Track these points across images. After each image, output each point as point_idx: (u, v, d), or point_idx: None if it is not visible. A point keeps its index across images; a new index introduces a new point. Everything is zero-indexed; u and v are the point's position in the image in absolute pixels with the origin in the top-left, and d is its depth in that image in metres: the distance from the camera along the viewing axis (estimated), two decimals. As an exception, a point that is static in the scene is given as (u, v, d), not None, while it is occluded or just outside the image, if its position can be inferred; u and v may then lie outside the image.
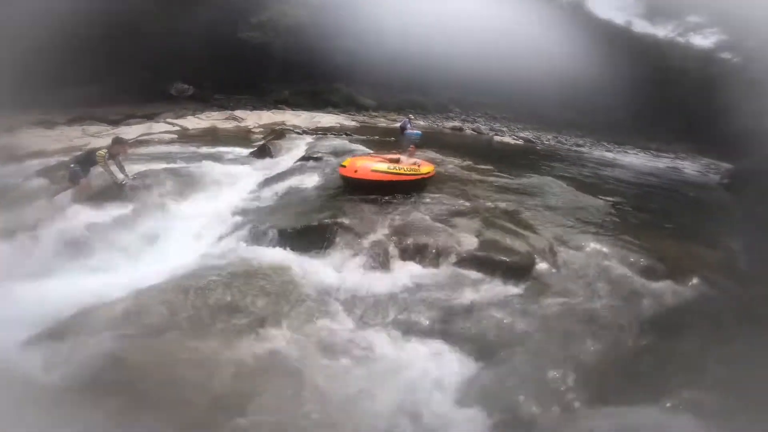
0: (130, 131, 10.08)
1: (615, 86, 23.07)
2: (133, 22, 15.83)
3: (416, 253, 4.20)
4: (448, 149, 9.90)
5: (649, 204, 9.22)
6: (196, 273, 3.78)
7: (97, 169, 5.20)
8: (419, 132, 12.20)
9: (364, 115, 18.55)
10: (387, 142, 11.22)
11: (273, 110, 15.36)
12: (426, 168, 6.01)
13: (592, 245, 4.90)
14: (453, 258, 4.15)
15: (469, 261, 4.15)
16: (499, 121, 23.12)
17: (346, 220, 4.55)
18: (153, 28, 16.12)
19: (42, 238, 4.54)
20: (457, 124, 20.53)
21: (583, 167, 13.43)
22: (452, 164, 8.32)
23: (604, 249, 4.82)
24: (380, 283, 3.85)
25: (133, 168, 6.03)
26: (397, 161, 6.02)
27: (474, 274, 4.03)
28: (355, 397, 2.78)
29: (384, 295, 3.69)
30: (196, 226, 4.98)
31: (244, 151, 8.75)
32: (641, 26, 30.93)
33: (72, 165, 5.13)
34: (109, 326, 3.09)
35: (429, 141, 11.91)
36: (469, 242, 4.42)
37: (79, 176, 5.05)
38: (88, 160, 5.18)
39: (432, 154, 9.03)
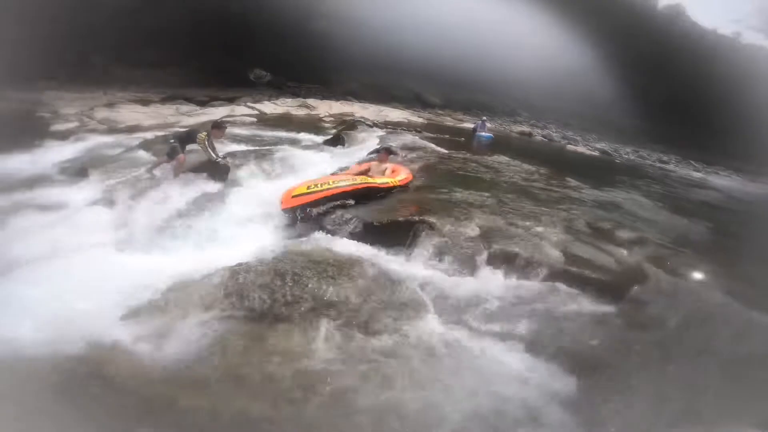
0: (216, 112, 10.76)
1: (713, 103, 20.79)
2: (217, 9, 16.96)
3: (504, 261, 4.01)
4: (517, 155, 9.47)
5: (749, 232, 8.20)
6: (286, 257, 3.80)
7: (192, 147, 5.56)
8: (491, 135, 11.81)
9: (430, 113, 18.39)
10: (456, 142, 10.99)
11: (342, 101, 15.70)
12: (396, 177, 5.53)
13: (692, 272, 4.44)
14: (543, 270, 3.92)
15: (559, 275, 3.89)
16: (572, 128, 21.81)
17: (432, 219, 4.47)
18: (235, 15, 17.16)
19: (139, 208, 4.92)
20: (525, 128, 19.67)
21: (670, 186, 12.25)
22: (527, 172, 7.94)
23: (705, 277, 4.35)
24: (466, 287, 3.72)
25: (222, 148, 6.40)
26: (365, 171, 5.60)
27: (565, 289, 3.77)
28: (436, 399, 2.70)
29: (470, 300, 3.56)
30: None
31: (318, 139, 8.99)
32: (753, 38, 27.27)
33: (172, 141, 5.53)
34: (209, 305, 3.19)
35: (496, 145, 11.51)
36: (559, 255, 4.16)
37: (177, 152, 5.43)
38: (188, 138, 5.55)
39: (503, 158, 8.70)
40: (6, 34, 11.00)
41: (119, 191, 5.20)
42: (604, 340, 3.37)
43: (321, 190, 4.67)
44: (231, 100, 13.21)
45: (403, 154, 7.43)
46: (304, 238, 4.38)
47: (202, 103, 12.43)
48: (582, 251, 4.32)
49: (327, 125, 11.01)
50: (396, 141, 8.27)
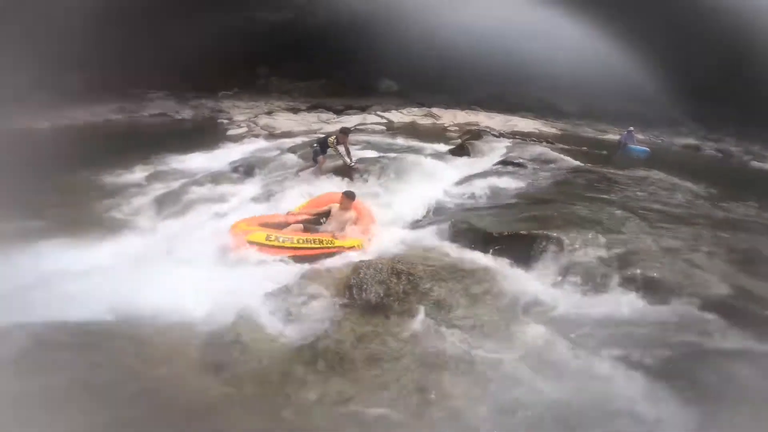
0: (350, 120, 11.85)
1: None
2: (350, 25, 18.53)
3: (643, 285, 3.54)
4: (677, 171, 8.00)
5: None
6: (404, 259, 4.07)
7: (330, 151, 6.27)
8: (646, 149, 10.21)
9: (565, 123, 16.86)
10: (597, 155, 9.86)
11: (467, 110, 15.59)
12: (360, 234, 4.68)
13: None
14: (691, 299, 3.33)
15: (712, 305, 3.27)
16: (757, 141, 17.38)
17: (559, 235, 4.16)
18: (366, 29, 18.51)
19: (287, 202, 5.77)
20: (691, 141, 16.48)
21: None
22: (687, 191, 6.66)
23: None
24: (595, 307, 3.41)
25: (356, 153, 7.04)
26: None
27: (716, 321, 3.13)
28: (558, 420, 2.52)
29: (599, 322, 3.24)
30: (402, 211, 5.47)
31: (442, 148, 9.14)
32: None
33: (314, 145, 6.35)
34: (335, 293, 3.59)
35: (651, 160, 9.92)
36: (714, 285, 3.49)
37: (318, 155, 6.19)
38: (324, 143, 6.30)
39: (657, 174, 7.46)
40: (198, 55, 13.91)
41: (274, 188, 6.20)
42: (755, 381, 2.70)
43: (280, 246, 4.26)
44: (363, 109, 14.36)
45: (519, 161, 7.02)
46: (422, 242, 4.58)
47: (339, 112, 13.83)
48: (751, 285, 3.54)
49: (451, 134, 11.10)
50: (524, 152, 7.85)
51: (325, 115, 12.71)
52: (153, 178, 7.19)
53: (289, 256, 4.21)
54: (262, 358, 2.98)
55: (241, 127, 11.21)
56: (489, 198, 5.90)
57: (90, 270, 4.05)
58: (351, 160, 6.36)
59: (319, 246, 4.40)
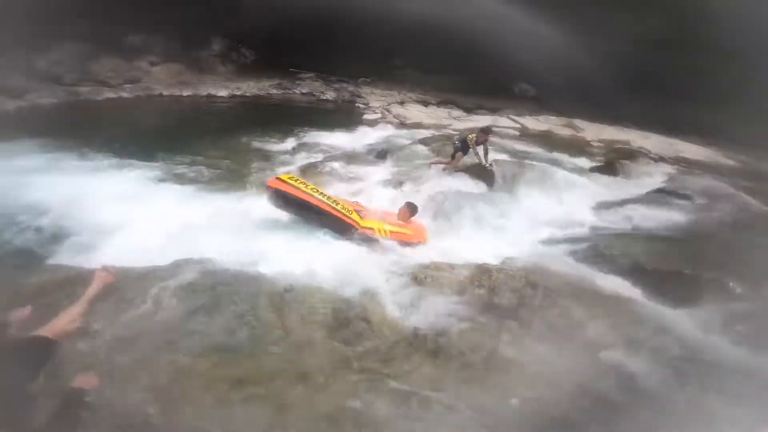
0: (480, 120, 11.55)
1: None
2: (493, 23, 17.72)
3: None
4: None
5: None
6: (538, 271, 3.87)
7: (470, 150, 6.16)
8: None
9: (748, 154, 13.71)
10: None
11: (615, 126, 13.83)
12: (369, 222, 4.42)
13: None
14: None
15: None
16: None
17: (731, 282, 3.55)
18: (508, 29, 17.54)
19: (418, 192, 5.90)
20: None
21: None
22: None
23: None
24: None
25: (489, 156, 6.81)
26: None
27: None
28: None
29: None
30: (536, 221, 5.16)
31: (584, 163, 8.30)
32: None
33: (456, 142, 6.29)
34: (455, 289, 3.56)
35: None
36: None
37: (458, 151, 6.14)
38: (464, 140, 6.20)
39: None
40: (348, 40, 14.87)
41: (405, 176, 6.40)
42: None
43: (302, 190, 4.30)
44: (494, 111, 13.83)
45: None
46: (555, 257, 4.28)
47: (469, 110, 13.56)
48: None
49: (595, 150, 10.00)
50: (692, 184, 6.65)
51: (456, 112, 12.64)
52: (300, 148, 8.06)
53: (304, 200, 4.25)
54: (385, 338, 3.10)
55: (376, 113, 11.83)
56: (639, 227, 5.21)
57: (240, 224, 4.72)
58: (487, 161, 6.18)
59: (333, 207, 4.29)
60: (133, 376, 2.42)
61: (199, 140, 8.13)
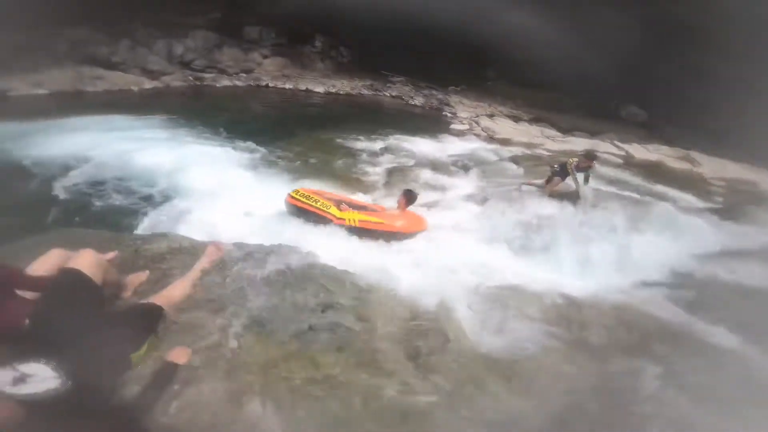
0: (577, 143, 10.76)
1: None
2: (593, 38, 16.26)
3: None
4: None
5: None
6: (627, 309, 3.59)
7: (569, 176, 5.74)
8: None
9: None
10: None
11: (742, 163, 11.96)
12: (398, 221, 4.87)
13: None
14: None
15: None
16: None
17: None
18: (615, 48, 15.99)
19: (503, 211, 5.65)
20: None
21: None
22: None
23: None
24: None
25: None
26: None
27: None
28: None
29: None
30: (633, 259, 4.68)
31: (699, 203, 7.31)
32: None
33: (555, 166, 5.91)
34: (544, 318, 3.38)
35: None
36: None
37: (555, 176, 5.76)
38: (563, 165, 5.79)
39: None
40: (436, 47, 14.86)
41: (491, 193, 6.19)
42: None
43: (307, 203, 4.79)
44: (594, 134, 12.80)
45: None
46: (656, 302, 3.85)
47: (565, 131, 12.72)
48: None
49: (713, 189, 8.76)
50: None
51: (549, 131, 11.92)
52: (385, 150, 8.23)
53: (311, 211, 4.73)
54: (458, 355, 3.02)
55: (463, 123, 11.64)
56: (762, 280, 4.46)
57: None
58: (585, 188, 5.72)
59: (313, 205, 4.76)
60: (219, 355, 2.47)
61: (296, 130, 8.75)
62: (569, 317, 3.38)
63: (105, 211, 5.26)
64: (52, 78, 11.22)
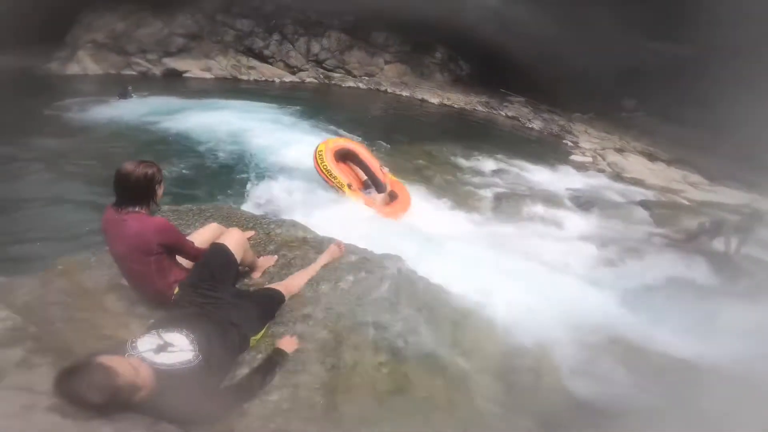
0: (727, 194, 9.17)
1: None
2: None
3: None
4: None
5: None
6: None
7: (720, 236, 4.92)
8: None
9: None
10: None
11: None
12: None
13: None
14: None
15: None
16: None
17: None
18: None
19: (625, 261, 5.08)
20: None
21: None
22: None
23: None
24: None
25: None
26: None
27: None
28: None
29: None
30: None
31: None
32: None
33: (705, 222, 5.12)
34: (646, 374, 3.03)
35: None
36: None
37: (702, 233, 4.98)
38: (718, 223, 4.97)
39: None
40: (564, 72, 13.87)
41: (611, 237, 5.58)
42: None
43: (326, 171, 5.40)
44: (753, 186, 10.71)
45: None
46: None
47: (714, 179, 10.89)
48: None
49: None
50: None
51: (693, 177, 10.31)
52: (497, 173, 7.97)
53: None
54: (551, 399, 2.82)
55: (586, 155, 10.70)
56: None
57: (429, 231, 4.96)
58: (738, 253, 4.84)
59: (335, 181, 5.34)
60: (322, 351, 2.50)
61: (408, 138, 9.02)
62: (678, 379, 3.01)
63: (236, 185, 6.11)
64: (218, 65, 13.33)
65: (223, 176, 6.62)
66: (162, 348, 1.38)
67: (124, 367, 1.20)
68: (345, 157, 5.80)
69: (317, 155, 5.48)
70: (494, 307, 3.68)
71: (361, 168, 5.80)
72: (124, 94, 10.22)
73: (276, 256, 2.96)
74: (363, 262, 3.60)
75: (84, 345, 1.63)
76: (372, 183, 5.67)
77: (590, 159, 10.35)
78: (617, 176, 9.24)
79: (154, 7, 13.34)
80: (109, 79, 12.14)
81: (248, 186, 6.14)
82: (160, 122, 8.59)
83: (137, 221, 1.74)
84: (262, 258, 2.82)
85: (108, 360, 1.20)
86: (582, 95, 15.40)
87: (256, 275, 2.67)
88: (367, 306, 3.24)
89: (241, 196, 5.86)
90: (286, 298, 2.33)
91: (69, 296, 2.04)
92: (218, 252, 2.02)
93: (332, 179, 5.35)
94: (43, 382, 1.27)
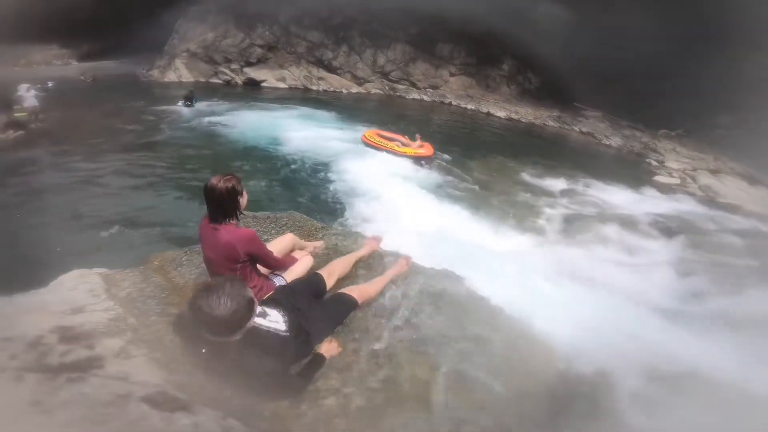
0: None
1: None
2: None
3: None
4: None
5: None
6: None
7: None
8: None
9: None
10: None
11: None
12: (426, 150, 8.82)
13: None
14: None
15: None
16: None
17: None
18: None
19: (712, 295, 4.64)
20: None
21: None
22: None
23: None
24: None
25: None
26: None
27: None
28: None
29: None
30: None
31: None
32: None
33: None
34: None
35: None
36: None
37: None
38: None
39: None
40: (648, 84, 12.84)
41: (698, 268, 5.12)
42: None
43: (377, 143, 9.02)
44: None
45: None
46: None
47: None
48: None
49: None
50: None
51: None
52: (567, 193, 7.65)
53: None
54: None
55: (673, 176, 9.84)
56: None
57: (491, 252, 4.92)
58: None
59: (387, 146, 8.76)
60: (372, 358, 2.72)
61: (474, 153, 8.98)
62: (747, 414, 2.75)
63: (308, 198, 6.53)
64: (291, 75, 14.34)
65: (296, 185, 7.11)
66: (262, 314, 1.66)
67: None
68: (382, 136, 9.25)
69: (366, 137, 9.12)
70: (554, 333, 3.60)
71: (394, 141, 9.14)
72: (189, 100, 10.80)
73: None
74: (424, 279, 3.70)
75: (174, 339, 1.85)
76: (404, 144, 8.93)
77: (678, 180, 9.50)
78: (710, 201, 8.38)
79: (237, 18, 14.68)
80: (198, 86, 13.52)
81: (320, 194, 6.54)
82: (228, 131, 9.46)
83: (228, 232, 1.98)
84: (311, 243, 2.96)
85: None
86: (670, 109, 14.23)
87: (330, 282, 2.87)
88: (424, 320, 3.32)
89: (313, 204, 6.27)
90: (359, 304, 2.44)
91: (163, 291, 2.32)
92: (315, 278, 2.35)
93: (384, 146, 8.73)
94: (138, 373, 1.44)
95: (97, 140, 7.99)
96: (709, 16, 12.84)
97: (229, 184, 1.96)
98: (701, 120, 14.62)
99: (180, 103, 10.91)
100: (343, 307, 2.40)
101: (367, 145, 8.82)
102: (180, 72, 14.19)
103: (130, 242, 4.93)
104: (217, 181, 1.95)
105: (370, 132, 9.21)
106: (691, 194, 8.67)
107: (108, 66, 15.49)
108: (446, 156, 8.92)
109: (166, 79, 13.98)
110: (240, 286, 1.47)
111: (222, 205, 1.96)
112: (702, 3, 12.75)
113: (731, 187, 9.51)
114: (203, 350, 1.49)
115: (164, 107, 10.84)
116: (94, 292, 2.09)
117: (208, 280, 2.34)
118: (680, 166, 10.72)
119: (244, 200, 2.07)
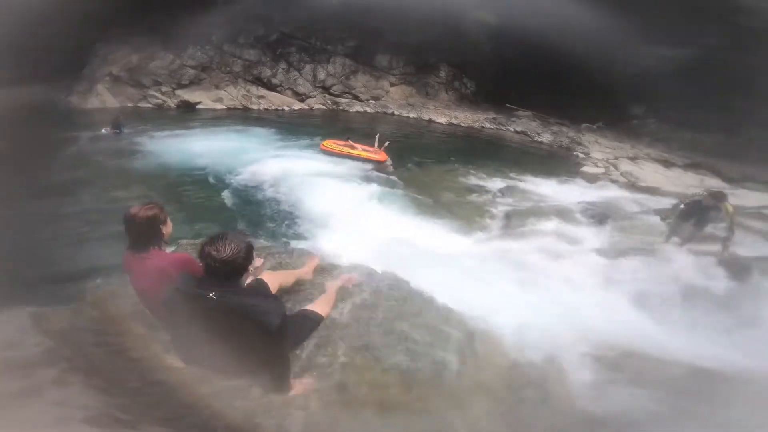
0: (748, 197, 9.02)
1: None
2: None
3: None
4: None
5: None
6: None
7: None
8: None
9: None
10: None
11: None
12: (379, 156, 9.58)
13: None
14: None
15: None
16: None
17: None
18: None
19: (638, 271, 5.06)
20: None
21: None
22: None
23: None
24: None
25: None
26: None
27: None
28: None
29: None
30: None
31: None
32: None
33: (681, 205, 5.25)
34: (656, 387, 3.01)
35: None
36: None
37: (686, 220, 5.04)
38: (699, 207, 5.09)
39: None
40: (570, 81, 13.97)
41: (626, 249, 5.59)
42: None
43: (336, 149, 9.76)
44: (772, 186, 10.54)
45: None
46: None
47: (732, 181, 10.78)
48: None
49: None
50: None
51: (711, 181, 10.23)
52: (506, 191, 8.08)
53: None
54: (561, 415, 2.83)
55: (598, 166, 10.75)
56: None
57: (434, 249, 5.07)
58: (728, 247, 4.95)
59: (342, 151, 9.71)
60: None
61: (419, 159, 9.24)
62: (689, 386, 3.02)
63: (250, 218, 6.37)
64: (229, 95, 13.94)
65: (235, 206, 6.92)
66: None
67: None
68: (338, 144, 10.04)
69: (325, 146, 9.78)
70: (502, 324, 3.77)
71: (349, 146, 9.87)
72: (117, 127, 9.99)
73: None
74: (374, 283, 3.73)
75: (113, 365, 1.79)
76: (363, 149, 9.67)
77: (602, 170, 10.38)
78: (631, 186, 9.24)
79: (165, 41, 14.06)
80: (125, 111, 12.69)
81: (262, 212, 6.41)
82: (162, 157, 9.05)
83: (160, 258, 1.90)
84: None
85: None
86: (590, 105, 15.48)
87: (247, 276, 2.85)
88: (372, 327, 3.35)
89: (255, 223, 6.13)
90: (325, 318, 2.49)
91: (98, 323, 2.22)
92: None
93: (340, 151, 9.53)
94: (76, 398, 1.42)
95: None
96: (622, 14, 14.18)
97: (150, 213, 1.89)
98: (617, 112, 16.08)
99: (105, 130, 10.07)
100: (310, 322, 2.43)
101: (326, 152, 9.67)
102: (103, 97, 13.31)
103: (58, 280, 4.55)
104: (138, 210, 1.88)
105: (328, 141, 9.96)
106: (615, 181, 9.52)
107: (19, 93, 14.19)
108: (392, 163, 9.10)
109: (88, 106, 13.03)
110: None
111: (142, 234, 1.88)
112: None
113: (649, 172, 10.55)
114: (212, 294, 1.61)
115: (88, 133, 10.05)
116: (23, 329, 1.99)
117: (144, 310, 2.23)
118: (603, 156, 11.74)
119: (167, 229, 1.99)
